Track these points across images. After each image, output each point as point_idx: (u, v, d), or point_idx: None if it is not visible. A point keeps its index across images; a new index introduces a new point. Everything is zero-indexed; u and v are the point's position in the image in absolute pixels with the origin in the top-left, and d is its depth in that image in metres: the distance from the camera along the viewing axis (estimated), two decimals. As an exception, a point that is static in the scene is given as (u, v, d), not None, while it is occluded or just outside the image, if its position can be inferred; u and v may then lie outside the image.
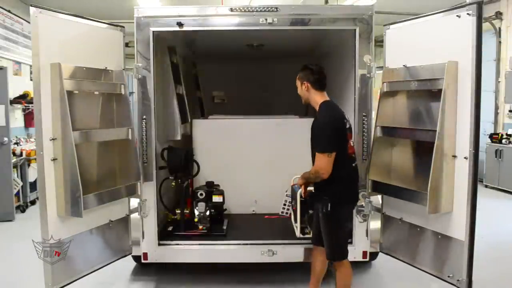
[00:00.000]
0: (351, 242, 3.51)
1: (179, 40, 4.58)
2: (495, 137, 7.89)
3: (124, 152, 3.52)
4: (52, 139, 2.98)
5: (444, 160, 3.01)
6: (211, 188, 4.14)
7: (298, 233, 3.74)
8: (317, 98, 3.07)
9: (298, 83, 3.14)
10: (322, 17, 3.50)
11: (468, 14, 2.87)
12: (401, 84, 3.39)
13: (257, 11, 3.44)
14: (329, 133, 2.93)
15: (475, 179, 2.94)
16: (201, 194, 4.02)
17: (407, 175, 3.43)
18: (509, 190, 7.54)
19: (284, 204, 4.16)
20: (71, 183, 2.98)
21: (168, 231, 3.93)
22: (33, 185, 6.66)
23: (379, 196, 3.65)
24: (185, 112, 4.47)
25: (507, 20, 8.20)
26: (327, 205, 2.95)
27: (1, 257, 4.76)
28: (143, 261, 3.66)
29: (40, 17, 2.91)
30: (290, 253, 3.64)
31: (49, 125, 2.98)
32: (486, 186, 7.96)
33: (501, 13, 8.25)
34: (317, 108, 3.07)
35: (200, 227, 3.96)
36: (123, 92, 3.50)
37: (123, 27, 3.56)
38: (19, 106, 7.48)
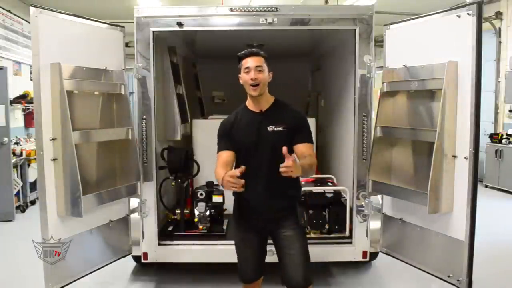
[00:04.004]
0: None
1: (179, 40, 4.58)
2: (495, 137, 7.88)
3: (124, 152, 3.52)
4: (52, 139, 2.98)
5: (444, 160, 3.01)
6: (211, 188, 4.13)
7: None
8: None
9: (266, 67, 2.69)
10: (322, 17, 3.50)
11: (468, 14, 2.87)
12: (401, 84, 3.38)
13: (257, 11, 3.44)
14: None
15: (475, 179, 2.93)
16: (201, 194, 4.02)
17: (407, 175, 3.43)
18: (509, 190, 7.54)
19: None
20: (71, 183, 2.98)
21: (168, 231, 3.93)
22: (33, 185, 6.65)
23: (379, 196, 3.66)
24: (185, 112, 4.47)
25: (507, 20, 8.19)
26: None
27: (1, 257, 4.76)
28: (143, 261, 3.66)
29: (40, 17, 2.91)
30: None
31: (49, 125, 2.97)
32: (486, 186, 7.96)
33: (501, 13, 8.24)
34: (270, 100, 2.83)
35: (200, 227, 3.97)
36: (123, 92, 3.49)
37: (123, 27, 3.56)
38: (19, 106, 7.48)
